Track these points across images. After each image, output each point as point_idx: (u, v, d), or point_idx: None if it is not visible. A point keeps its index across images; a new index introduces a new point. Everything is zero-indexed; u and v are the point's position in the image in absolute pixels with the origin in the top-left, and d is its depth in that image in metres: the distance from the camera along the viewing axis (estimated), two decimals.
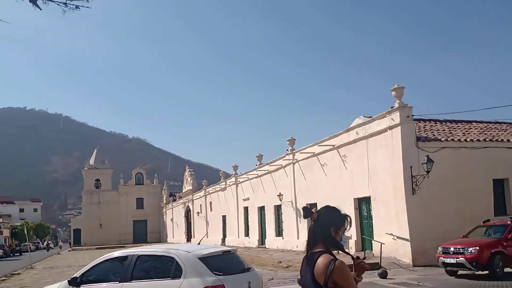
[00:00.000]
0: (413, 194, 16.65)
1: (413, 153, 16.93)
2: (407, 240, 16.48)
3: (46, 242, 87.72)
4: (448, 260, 13.36)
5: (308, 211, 2.69)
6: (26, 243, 51.07)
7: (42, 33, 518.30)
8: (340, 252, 2.75)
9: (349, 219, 2.70)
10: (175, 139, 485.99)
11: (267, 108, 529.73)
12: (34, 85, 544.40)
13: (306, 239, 2.76)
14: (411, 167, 16.70)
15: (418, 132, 18.05)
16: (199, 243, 7.34)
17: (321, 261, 2.49)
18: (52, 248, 76.44)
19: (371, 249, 18.75)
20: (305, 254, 2.71)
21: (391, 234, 17.15)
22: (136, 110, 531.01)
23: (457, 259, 13.04)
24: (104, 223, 72.46)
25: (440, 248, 13.78)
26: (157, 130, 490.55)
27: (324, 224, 2.63)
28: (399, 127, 17.10)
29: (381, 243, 16.43)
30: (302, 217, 2.91)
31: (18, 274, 22.99)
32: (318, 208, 2.81)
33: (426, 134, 18.53)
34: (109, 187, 75.98)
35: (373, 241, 18.39)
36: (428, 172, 16.17)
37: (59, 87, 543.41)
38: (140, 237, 71.56)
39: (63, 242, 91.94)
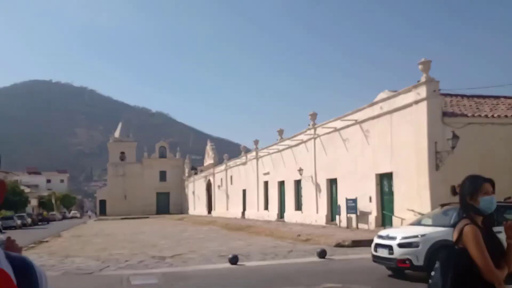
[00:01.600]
0: (436, 170, 16.40)
1: (439, 129, 16.58)
2: None
3: (71, 212, 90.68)
4: None
5: (454, 189, 3.00)
6: (54, 213, 53.00)
7: (67, 4, 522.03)
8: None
9: (480, 182, 2.84)
10: (197, 114, 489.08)
11: (290, 80, 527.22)
12: (60, 58, 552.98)
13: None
14: (435, 142, 16.38)
15: (444, 107, 17.61)
16: None
17: (459, 224, 2.79)
18: (79, 218, 79.31)
19: (391, 225, 18.66)
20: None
21: (412, 210, 17.02)
22: (160, 84, 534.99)
23: None
24: (128, 195, 74.37)
25: None
26: (180, 105, 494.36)
27: (461, 195, 2.89)
28: (425, 101, 16.71)
29: (402, 219, 16.36)
30: (451, 194, 3.12)
31: (47, 241, 23.90)
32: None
33: (452, 109, 18.06)
34: (133, 159, 77.57)
35: (393, 217, 18.32)
36: (453, 148, 15.86)
37: (84, 60, 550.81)
38: (162, 209, 73.29)
39: (91, 212, 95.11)
